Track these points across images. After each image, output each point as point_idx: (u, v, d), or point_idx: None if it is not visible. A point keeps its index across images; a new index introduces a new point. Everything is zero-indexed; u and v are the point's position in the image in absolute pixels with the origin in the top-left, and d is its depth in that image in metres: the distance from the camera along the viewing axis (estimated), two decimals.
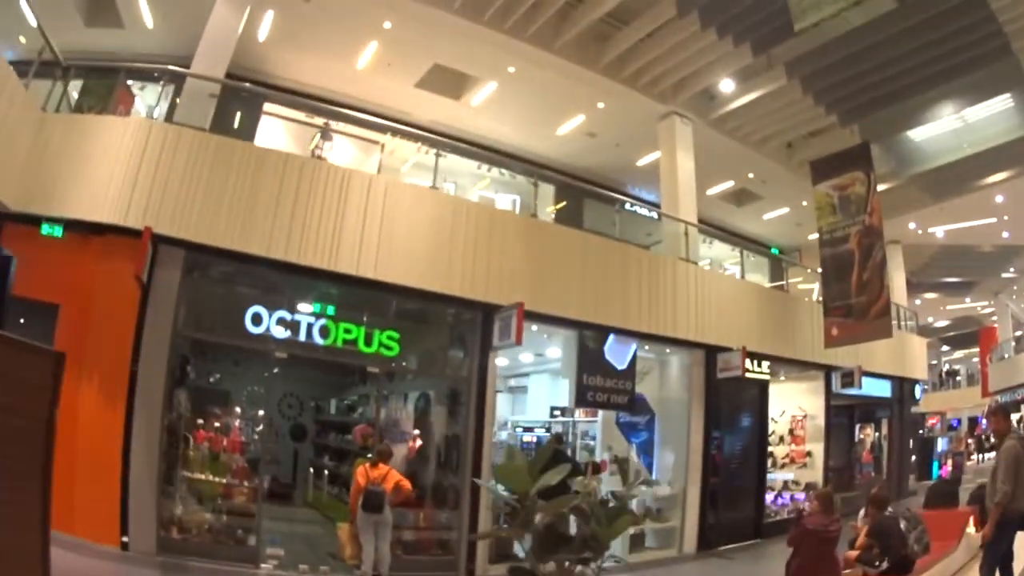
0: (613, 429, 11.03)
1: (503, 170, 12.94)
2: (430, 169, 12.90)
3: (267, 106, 10.65)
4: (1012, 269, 21.91)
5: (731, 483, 11.92)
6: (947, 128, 14.65)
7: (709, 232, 14.07)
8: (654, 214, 13.19)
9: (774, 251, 17.95)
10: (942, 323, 28.11)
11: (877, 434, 18.17)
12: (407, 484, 7.28)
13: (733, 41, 10.68)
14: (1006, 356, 22.64)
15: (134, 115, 8.70)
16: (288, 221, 7.66)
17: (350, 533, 7.26)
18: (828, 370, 14.14)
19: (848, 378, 14.19)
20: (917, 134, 14.86)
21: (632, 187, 14.96)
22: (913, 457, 20.32)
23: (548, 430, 11.69)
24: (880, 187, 16.02)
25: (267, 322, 7.89)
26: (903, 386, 17.28)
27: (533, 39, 10.79)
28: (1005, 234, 18.94)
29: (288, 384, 12.60)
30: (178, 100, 8.71)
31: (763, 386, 12.55)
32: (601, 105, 12.66)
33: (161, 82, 9.09)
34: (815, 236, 12.69)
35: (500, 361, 13.52)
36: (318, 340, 8.14)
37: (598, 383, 9.89)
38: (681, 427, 11.23)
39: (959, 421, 26.70)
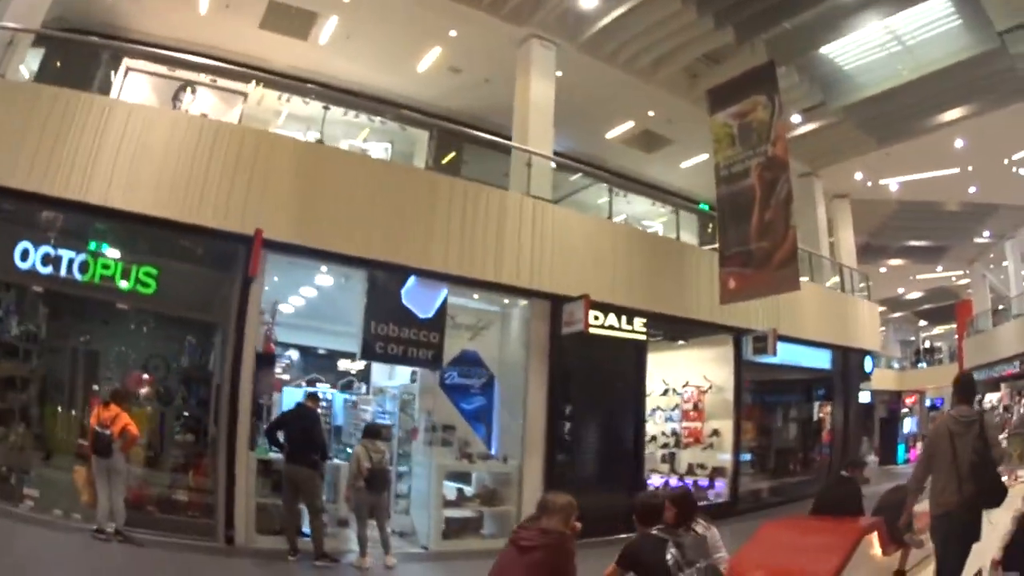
0: (435, 392, 9.29)
1: (373, 117, 11.73)
2: (307, 120, 11.62)
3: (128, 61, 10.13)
4: (987, 233, 19.65)
5: (592, 463, 10.11)
6: (881, 51, 12.60)
7: (565, 163, 12.10)
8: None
9: (703, 207, 15.95)
10: (915, 295, 25.73)
11: None
12: (134, 429, 7.02)
13: None
14: (983, 330, 20.43)
15: None
16: (48, 154, 7.42)
17: (86, 478, 7.12)
18: (738, 334, 12.25)
19: (760, 343, 12.20)
20: (845, 59, 12.84)
21: None
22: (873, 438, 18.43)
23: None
24: (811, 126, 14.18)
25: (33, 258, 7.63)
26: (847, 357, 15.23)
27: None
28: (972, 188, 16.81)
29: (154, 344, 11.70)
30: None
31: (639, 348, 10.65)
32: (454, 33, 11.29)
33: None
34: None
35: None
36: (77, 276, 7.79)
37: (391, 333, 8.23)
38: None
39: (942, 400, 24.45)
